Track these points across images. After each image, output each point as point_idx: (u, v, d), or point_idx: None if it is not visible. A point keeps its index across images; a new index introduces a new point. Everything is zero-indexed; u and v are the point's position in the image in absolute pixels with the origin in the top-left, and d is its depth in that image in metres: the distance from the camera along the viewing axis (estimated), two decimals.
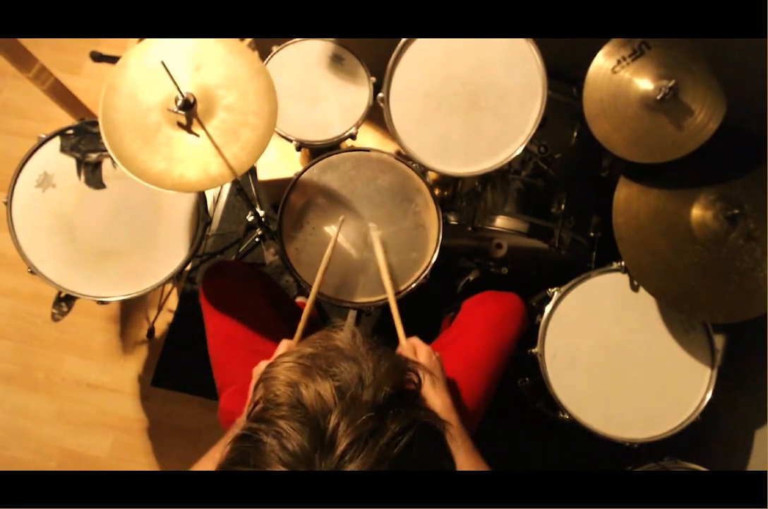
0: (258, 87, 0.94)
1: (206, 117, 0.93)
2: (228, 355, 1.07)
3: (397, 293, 1.08)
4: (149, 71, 0.93)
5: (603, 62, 1.02)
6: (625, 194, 1.09)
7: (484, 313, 1.15)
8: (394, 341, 0.95)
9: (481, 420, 1.06)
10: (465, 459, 0.81)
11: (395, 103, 1.08)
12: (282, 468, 0.43)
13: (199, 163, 0.92)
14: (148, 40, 0.94)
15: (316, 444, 0.44)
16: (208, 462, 0.78)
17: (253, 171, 1.55)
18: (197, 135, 0.93)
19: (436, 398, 0.86)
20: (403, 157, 1.14)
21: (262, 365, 0.84)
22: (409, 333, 0.97)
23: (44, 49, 1.49)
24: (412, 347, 0.93)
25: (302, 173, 1.14)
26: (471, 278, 1.51)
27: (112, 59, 1.87)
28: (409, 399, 0.50)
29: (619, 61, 1.01)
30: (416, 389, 0.53)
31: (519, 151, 1.06)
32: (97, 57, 1.88)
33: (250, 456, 0.46)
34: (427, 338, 0.98)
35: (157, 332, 1.66)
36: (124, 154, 0.91)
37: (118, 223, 1.16)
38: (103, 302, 1.13)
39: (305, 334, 0.93)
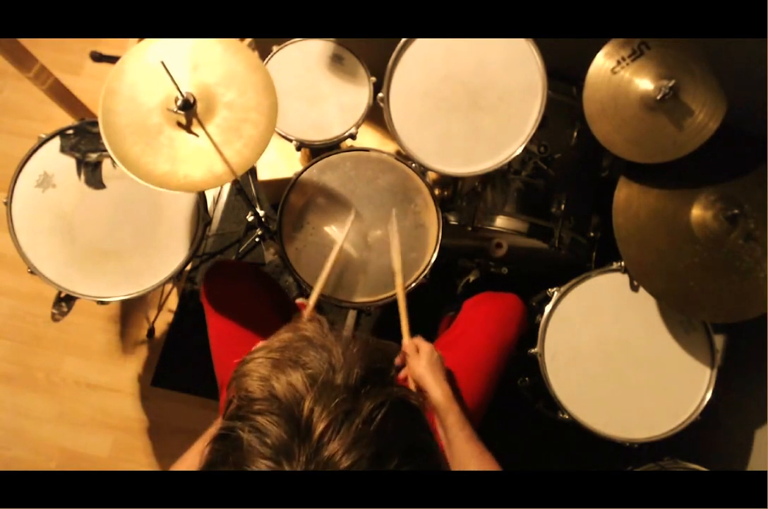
0: (257, 83, 0.94)
1: (207, 116, 0.93)
2: (229, 354, 1.07)
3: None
4: (147, 73, 0.92)
5: (603, 62, 1.02)
6: (625, 194, 1.09)
7: (484, 314, 1.15)
8: (396, 341, 0.95)
9: (481, 420, 1.06)
10: (464, 444, 0.83)
11: (395, 103, 1.08)
12: (263, 462, 0.43)
13: (203, 162, 0.92)
14: (144, 42, 0.94)
15: (293, 432, 0.44)
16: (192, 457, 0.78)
17: (253, 171, 1.55)
18: (197, 135, 0.93)
19: (436, 387, 0.88)
20: (403, 157, 1.14)
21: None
22: (409, 333, 0.97)
23: (44, 49, 1.49)
24: (414, 345, 0.94)
25: (302, 172, 1.14)
26: (471, 278, 1.51)
27: (112, 59, 1.87)
28: (381, 377, 0.50)
29: (619, 62, 1.01)
30: (388, 366, 0.53)
31: (519, 151, 1.06)
32: (97, 57, 1.87)
33: (229, 455, 0.46)
34: (427, 339, 0.98)
35: (157, 332, 1.66)
36: (127, 157, 0.91)
37: (118, 223, 1.16)
38: (103, 302, 1.13)
39: None
